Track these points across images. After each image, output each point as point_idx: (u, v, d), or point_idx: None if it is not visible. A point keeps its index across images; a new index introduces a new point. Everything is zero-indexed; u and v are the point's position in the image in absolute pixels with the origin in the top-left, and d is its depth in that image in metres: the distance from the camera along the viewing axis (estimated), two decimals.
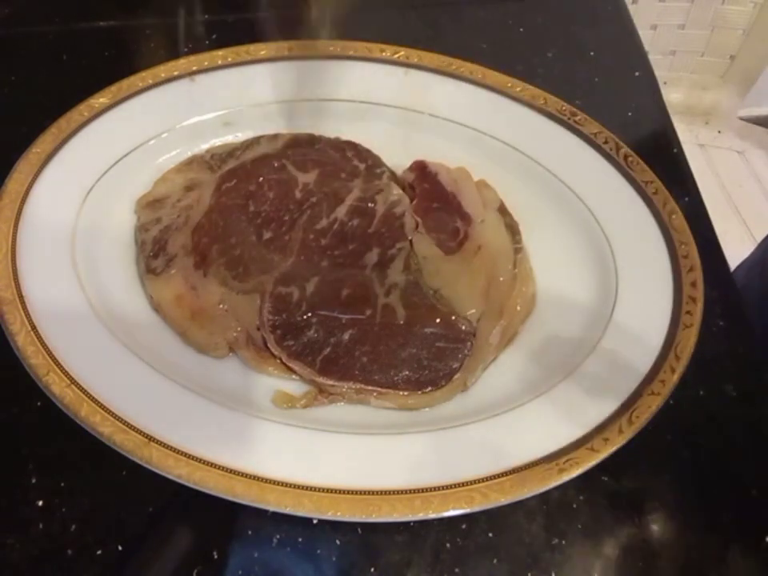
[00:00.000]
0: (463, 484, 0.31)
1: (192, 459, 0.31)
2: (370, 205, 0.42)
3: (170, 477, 0.31)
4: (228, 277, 0.39)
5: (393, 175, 0.45)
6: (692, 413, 0.37)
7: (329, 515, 0.30)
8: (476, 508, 0.31)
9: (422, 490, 0.31)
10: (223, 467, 0.31)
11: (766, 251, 0.60)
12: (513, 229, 0.42)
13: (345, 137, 0.46)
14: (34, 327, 0.34)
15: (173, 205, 0.42)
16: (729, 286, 0.42)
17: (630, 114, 0.51)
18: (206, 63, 0.47)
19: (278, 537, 0.33)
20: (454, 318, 0.38)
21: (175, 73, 0.46)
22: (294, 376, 0.37)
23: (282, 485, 0.31)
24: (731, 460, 0.36)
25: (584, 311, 0.39)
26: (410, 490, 0.31)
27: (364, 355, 0.36)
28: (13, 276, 0.36)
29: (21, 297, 0.35)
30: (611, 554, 0.33)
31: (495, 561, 0.33)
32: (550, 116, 0.45)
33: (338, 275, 0.39)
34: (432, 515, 0.31)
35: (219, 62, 0.47)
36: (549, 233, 0.43)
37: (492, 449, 0.33)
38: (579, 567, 0.33)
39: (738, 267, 0.63)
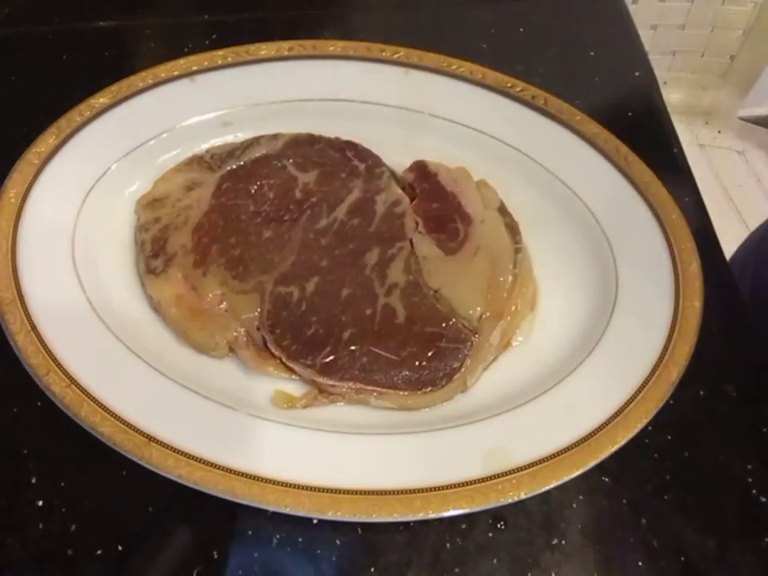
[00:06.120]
0: (463, 484, 0.31)
1: (192, 459, 0.31)
2: (369, 205, 0.42)
3: (170, 477, 0.31)
4: (228, 277, 0.39)
5: (393, 175, 0.45)
6: (692, 413, 0.37)
7: (329, 515, 0.30)
8: (476, 508, 0.31)
9: (422, 490, 0.31)
10: (223, 467, 0.31)
11: (760, 241, 0.59)
12: (513, 229, 0.42)
13: (345, 137, 0.46)
14: (34, 327, 0.34)
15: (173, 205, 0.42)
16: (729, 286, 0.42)
17: (629, 114, 0.51)
18: (205, 63, 0.47)
19: (278, 537, 0.33)
20: (454, 318, 0.38)
21: (175, 73, 0.46)
22: (293, 376, 0.37)
23: (282, 485, 0.31)
24: (731, 460, 0.36)
25: (584, 311, 0.39)
26: (410, 490, 0.31)
27: (364, 355, 0.36)
28: (13, 276, 0.36)
29: (21, 297, 0.35)
30: (611, 554, 0.33)
31: (495, 561, 0.33)
32: (550, 116, 0.45)
33: (338, 275, 0.39)
34: (432, 515, 0.31)
35: (219, 62, 0.47)
36: (549, 233, 0.43)
37: (492, 449, 0.33)
38: (579, 567, 0.32)
39: (733, 255, 0.62)
